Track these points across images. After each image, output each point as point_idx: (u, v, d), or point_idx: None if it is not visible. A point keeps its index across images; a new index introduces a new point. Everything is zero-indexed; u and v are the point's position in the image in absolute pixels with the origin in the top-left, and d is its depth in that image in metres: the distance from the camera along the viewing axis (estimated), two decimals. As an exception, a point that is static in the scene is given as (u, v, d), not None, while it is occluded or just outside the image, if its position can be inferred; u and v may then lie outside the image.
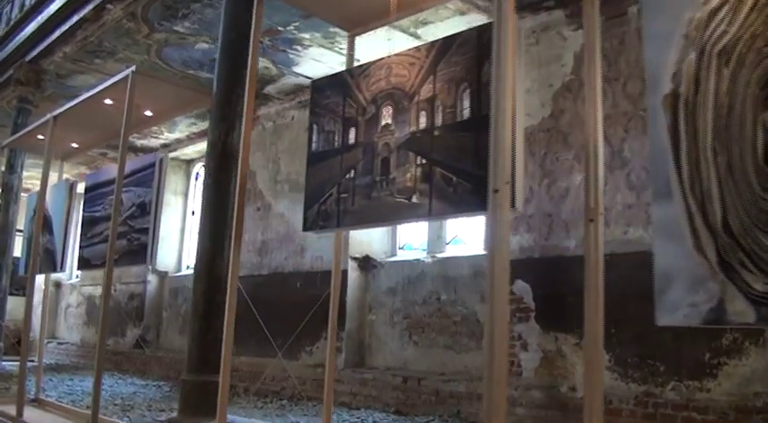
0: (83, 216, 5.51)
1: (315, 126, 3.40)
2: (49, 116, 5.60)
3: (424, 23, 6.30)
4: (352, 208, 3.12)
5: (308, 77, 8.03)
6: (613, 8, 5.61)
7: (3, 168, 8.11)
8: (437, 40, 2.96)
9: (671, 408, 4.97)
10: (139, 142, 10.97)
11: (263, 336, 8.65)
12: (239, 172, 3.09)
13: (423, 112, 2.93)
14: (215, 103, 4.07)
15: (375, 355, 7.40)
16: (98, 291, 11.93)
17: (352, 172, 3.16)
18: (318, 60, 7.39)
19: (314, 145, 3.39)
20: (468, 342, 6.63)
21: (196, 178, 11.69)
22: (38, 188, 11.53)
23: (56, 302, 13.81)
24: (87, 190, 5.53)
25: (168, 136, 10.54)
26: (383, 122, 3.08)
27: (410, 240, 7.66)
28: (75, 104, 5.29)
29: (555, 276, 5.88)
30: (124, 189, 4.98)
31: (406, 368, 7.08)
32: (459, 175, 2.72)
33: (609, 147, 5.55)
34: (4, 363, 8.43)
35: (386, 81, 3.11)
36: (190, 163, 11.84)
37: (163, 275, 10.99)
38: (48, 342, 13.01)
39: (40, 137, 6.26)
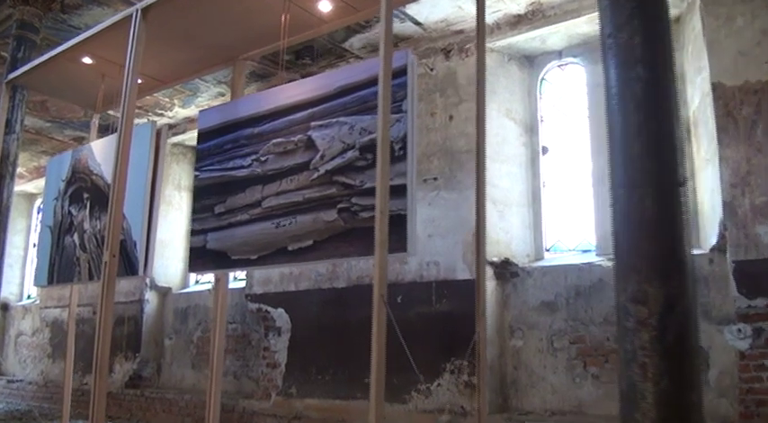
0: (201, 180, 3.30)
1: None
2: (133, 8, 3.39)
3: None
4: None
5: (419, 23, 6.08)
6: None
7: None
8: None
9: None
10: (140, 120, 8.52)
11: (341, 370, 6.50)
12: None
13: None
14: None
15: (526, 393, 5.45)
16: (66, 315, 9.12)
17: None
18: (451, -6, 5.46)
19: None
20: (686, 375, 4.83)
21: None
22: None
23: (1, 330, 10.74)
24: (205, 135, 3.33)
25: (179, 112, 8.17)
26: None
27: (561, 240, 5.79)
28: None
29: None
30: (322, 122, 2.87)
31: (583, 412, 5.18)
32: None
33: None
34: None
35: None
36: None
37: (165, 292, 8.44)
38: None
39: (87, 60, 3.97)
